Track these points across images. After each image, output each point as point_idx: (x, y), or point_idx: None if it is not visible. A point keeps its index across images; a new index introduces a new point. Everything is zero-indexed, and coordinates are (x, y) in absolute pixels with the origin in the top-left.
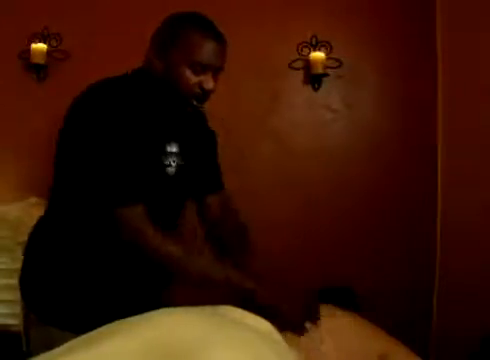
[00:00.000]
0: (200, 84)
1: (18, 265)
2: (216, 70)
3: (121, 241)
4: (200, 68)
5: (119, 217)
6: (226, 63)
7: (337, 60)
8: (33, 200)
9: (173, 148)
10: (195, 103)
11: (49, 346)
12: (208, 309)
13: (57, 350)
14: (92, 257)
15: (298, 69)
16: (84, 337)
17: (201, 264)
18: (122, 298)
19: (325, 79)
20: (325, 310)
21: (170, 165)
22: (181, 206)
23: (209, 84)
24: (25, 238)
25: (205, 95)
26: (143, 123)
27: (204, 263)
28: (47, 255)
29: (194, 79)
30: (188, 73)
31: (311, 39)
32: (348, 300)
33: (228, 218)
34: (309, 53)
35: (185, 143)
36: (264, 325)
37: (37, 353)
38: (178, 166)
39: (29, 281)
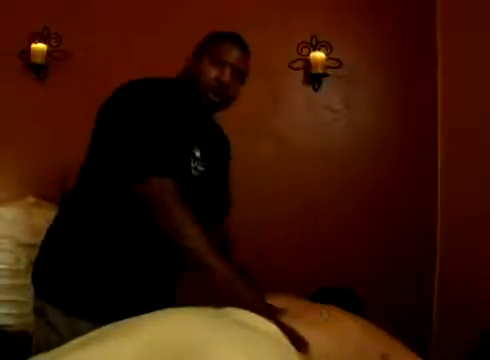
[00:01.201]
0: (217, 78)
1: (17, 265)
2: (236, 72)
3: (141, 228)
4: (220, 63)
5: (150, 186)
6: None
7: (337, 60)
8: (31, 200)
9: (196, 152)
10: (210, 97)
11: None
12: (213, 310)
13: (58, 349)
14: (110, 247)
15: (298, 69)
16: (85, 337)
17: (216, 255)
18: (138, 288)
19: (325, 79)
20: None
21: (191, 166)
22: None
23: (225, 77)
24: (24, 238)
25: (221, 89)
26: (179, 120)
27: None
28: (65, 243)
29: (212, 72)
30: (208, 67)
31: (311, 39)
32: (350, 302)
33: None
34: (309, 53)
35: (206, 150)
36: (269, 327)
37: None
38: (198, 171)
39: (44, 266)
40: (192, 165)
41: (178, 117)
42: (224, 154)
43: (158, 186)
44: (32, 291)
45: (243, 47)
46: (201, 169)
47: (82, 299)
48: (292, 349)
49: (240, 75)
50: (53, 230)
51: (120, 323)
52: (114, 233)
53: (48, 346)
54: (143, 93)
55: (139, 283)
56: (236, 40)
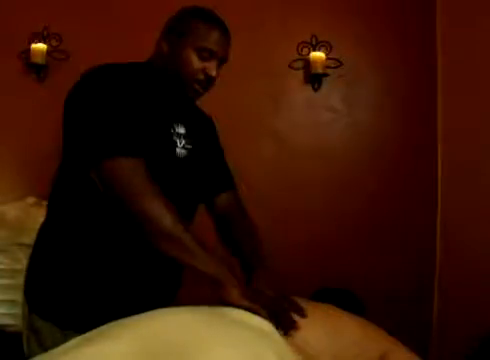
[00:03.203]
0: (204, 70)
1: (17, 265)
2: (220, 60)
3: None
4: (206, 54)
5: (110, 168)
6: (226, 63)
7: (337, 60)
8: (31, 200)
9: (180, 129)
10: (196, 88)
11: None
12: (209, 309)
13: (55, 350)
14: (98, 255)
15: (298, 69)
16: (81, 338)
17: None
18: (128, 298)
19: (325, 79)
20: (325, 310)
21: (177, 145)
22: (196, 200)
23: (213, 71)
24: (24, 238)
25: (208, 82)
26: (147, 101)
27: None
28: (52, 254)
29: (199, 64)
30: (193, 57)
31: (311, 39)
32: (349, 302)
33: (238, 218)
34: (309, 53)
35: (191, 127)
36: (264, 325)
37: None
38: (187, 149)
39: (35, 280)
40: (178, 144)
41: (136, 98)
42: (210, 132)
43: (122, 166)
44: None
45: (226, 32)
46: (189, 147)
47: (76, 313)
48: (288, 346)
49: (224, 61)
50: (41, 239)
51: (117, 323)
52: (105, 242)
53: None
54: (102, 80)
55: (136, 296)
56: (219, 25)
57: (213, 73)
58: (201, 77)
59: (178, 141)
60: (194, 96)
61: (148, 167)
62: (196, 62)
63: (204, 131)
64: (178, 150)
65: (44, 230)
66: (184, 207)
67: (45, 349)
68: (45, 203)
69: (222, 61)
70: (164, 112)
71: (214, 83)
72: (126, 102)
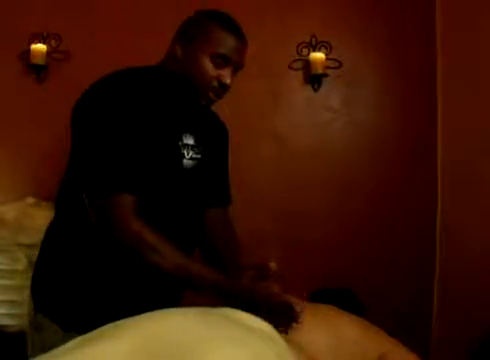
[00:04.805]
0: (218, 77)
1: (16, 266)
2: (235, 67)
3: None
4: (221, 61)
5: (100, 206)
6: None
7: (337, 60)
8: (30, 200)
9: (189, 140)
10: (210, 96)
11: (49, 348)
12: (208, 309)
13: (53, 352)
14: (104, 257)
15: (298, 69)
16: (81, 338)
17: (176, 257)
18: (134, 300)
19: (325, 79)
20: (325, 310)
21: (185, 157)
22: (202, 209)
23: (227, 79)
24: (23, 238)
25: (222, 89)
26: (155, 113)
27: (180, 256)
28: (59, 255)
29: (213, 72)
30: (208, 64)
31: (311, 39)
32: (349, 302)
33: (225, 233)
34: (309, 53)
35: (201, 135)
36: (264, 325)
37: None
38: (194, 159)
39: (41, 282)
40: (186, 155)
41: (142, 115)
42: (221, 141)
43: (115, 205)
44: (31, 301)
45: (243, 38)
46: (197, 156)
47: (81, 314)
48: (288, 347)
49: (239, 69)
50: (48, 239)
51: (118, 323)
52: (110, 244)
53: None
54: (108, 98)
55: (142, 298)
56: (236, 30)
57: (227, 81)
58: (215, 84)
59: (186, 152)
60: (207, 103)
61: (155, 179)
62: (210, 69)
63: (215, 139)
64: (185, 161)
65: (51, 230)
66: (191, 215)
67: (48, 349)
68: (44, 203)
69: (237, 68)
70: (173, 123)
71: (228, 90)
72: (130, 125)
